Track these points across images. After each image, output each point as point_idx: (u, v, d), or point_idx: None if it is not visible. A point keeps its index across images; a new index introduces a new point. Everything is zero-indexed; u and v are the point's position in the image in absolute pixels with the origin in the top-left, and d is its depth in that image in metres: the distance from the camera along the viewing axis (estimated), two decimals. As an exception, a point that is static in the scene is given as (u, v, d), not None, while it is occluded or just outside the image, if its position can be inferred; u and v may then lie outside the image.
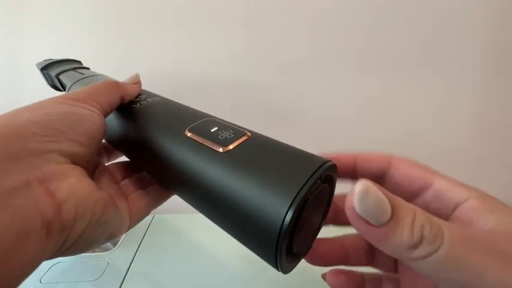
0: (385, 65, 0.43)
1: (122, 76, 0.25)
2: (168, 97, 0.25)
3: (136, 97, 0.23)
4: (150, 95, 0.24)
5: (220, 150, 0.16)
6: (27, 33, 0.44)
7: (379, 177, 0.17)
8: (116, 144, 0.24)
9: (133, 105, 0.22)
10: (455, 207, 0.14)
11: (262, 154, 0.16)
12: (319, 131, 0.46)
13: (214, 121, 0.19)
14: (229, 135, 0.17)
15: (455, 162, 0.47)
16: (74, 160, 0.16)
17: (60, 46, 0.44)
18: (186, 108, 0.22)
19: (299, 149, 0.17)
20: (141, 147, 0.20)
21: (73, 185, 0.14)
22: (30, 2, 0.42)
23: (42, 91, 0.45)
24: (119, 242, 0.36)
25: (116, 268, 0.30)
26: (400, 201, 0.12)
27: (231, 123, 0.19)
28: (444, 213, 0.15)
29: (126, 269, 0.30)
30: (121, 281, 0.29)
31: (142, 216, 0.21)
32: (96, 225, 0.15)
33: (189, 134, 0.18)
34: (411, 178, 0.16)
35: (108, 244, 0.38)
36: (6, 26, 0.43)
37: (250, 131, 0.18)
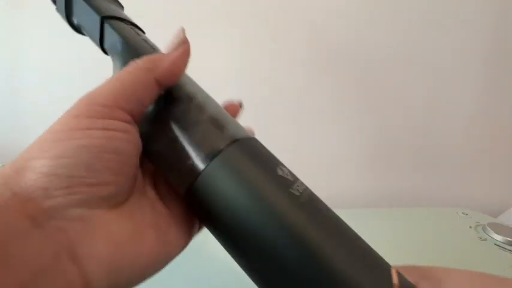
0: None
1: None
2: None
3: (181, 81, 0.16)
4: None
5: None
6: (27, 33, 0.44)
7: None
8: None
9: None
10: None
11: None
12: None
13: None
14: None
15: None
16: (108, 203, 0.13)
17: (60, 46, 0.44)
18: None
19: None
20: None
21: (101, 252, 0.12)
22: (31, 2, 0.42)
23: (41, 93, 0.45)
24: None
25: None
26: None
27: None
28: None
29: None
30: (122, 282, 0.29)
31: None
32: (142, 277, 0.14)
33: None
34: None
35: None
36: (6, 26, 0.43)
37: None
